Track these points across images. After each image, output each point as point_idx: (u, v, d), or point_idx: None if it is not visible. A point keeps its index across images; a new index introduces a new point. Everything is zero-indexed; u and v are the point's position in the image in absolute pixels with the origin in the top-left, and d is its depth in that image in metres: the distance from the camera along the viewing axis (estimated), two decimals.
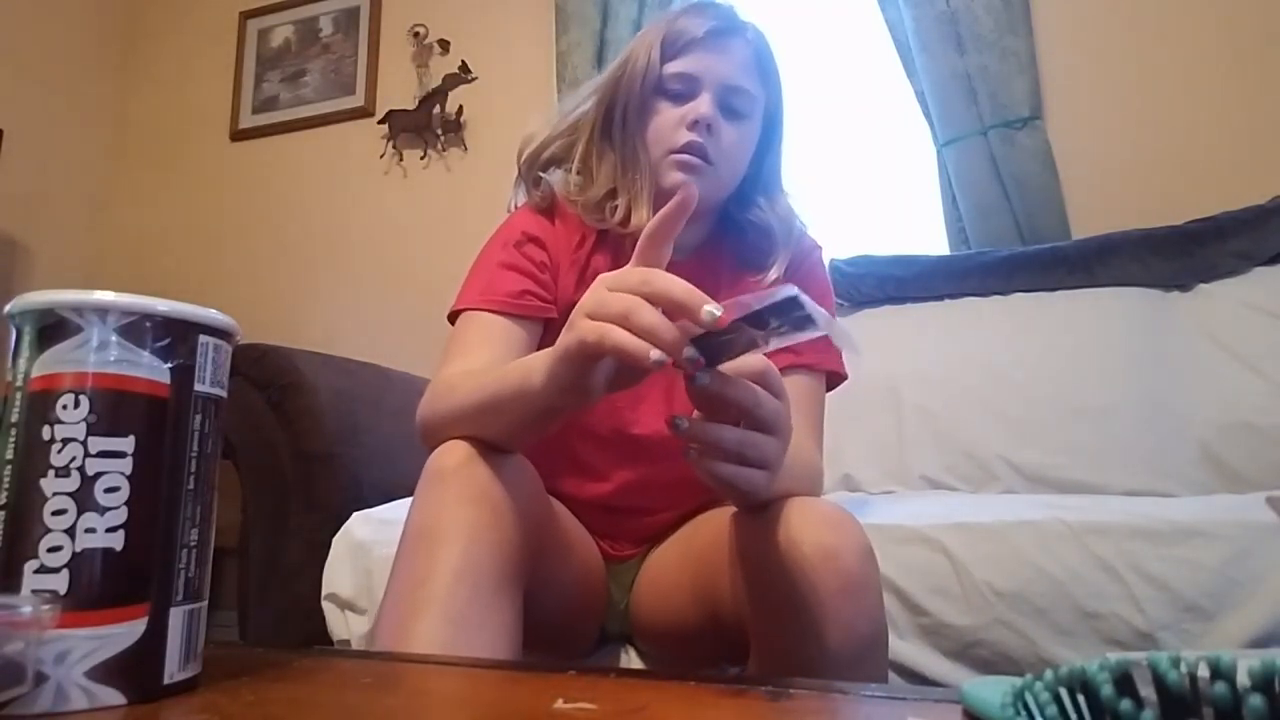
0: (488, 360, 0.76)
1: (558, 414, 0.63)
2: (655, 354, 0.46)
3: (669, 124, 0.83)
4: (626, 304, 0.48)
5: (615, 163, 0.86)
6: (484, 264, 0.86)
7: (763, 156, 0.90)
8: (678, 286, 0.47)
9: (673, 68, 0.84)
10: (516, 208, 0.92)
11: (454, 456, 0.66)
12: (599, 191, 0.85)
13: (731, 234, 0.91)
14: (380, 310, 2.19)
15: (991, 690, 0.35)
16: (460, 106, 2.19)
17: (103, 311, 0.39)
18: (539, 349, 0.73)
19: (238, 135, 2.46)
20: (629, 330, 0.47)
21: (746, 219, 0.90)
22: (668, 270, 0.90)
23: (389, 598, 0.63)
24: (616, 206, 0.84)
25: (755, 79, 0.86)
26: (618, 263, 0.85)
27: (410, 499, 0.69)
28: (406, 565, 0.63)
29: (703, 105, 0.82)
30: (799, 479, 0.72)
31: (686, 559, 0.81)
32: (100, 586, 0.37)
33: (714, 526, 0.79)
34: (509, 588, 0.64)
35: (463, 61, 2.17)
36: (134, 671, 0.38)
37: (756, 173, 0.90)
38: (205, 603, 0.42)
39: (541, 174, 0.90)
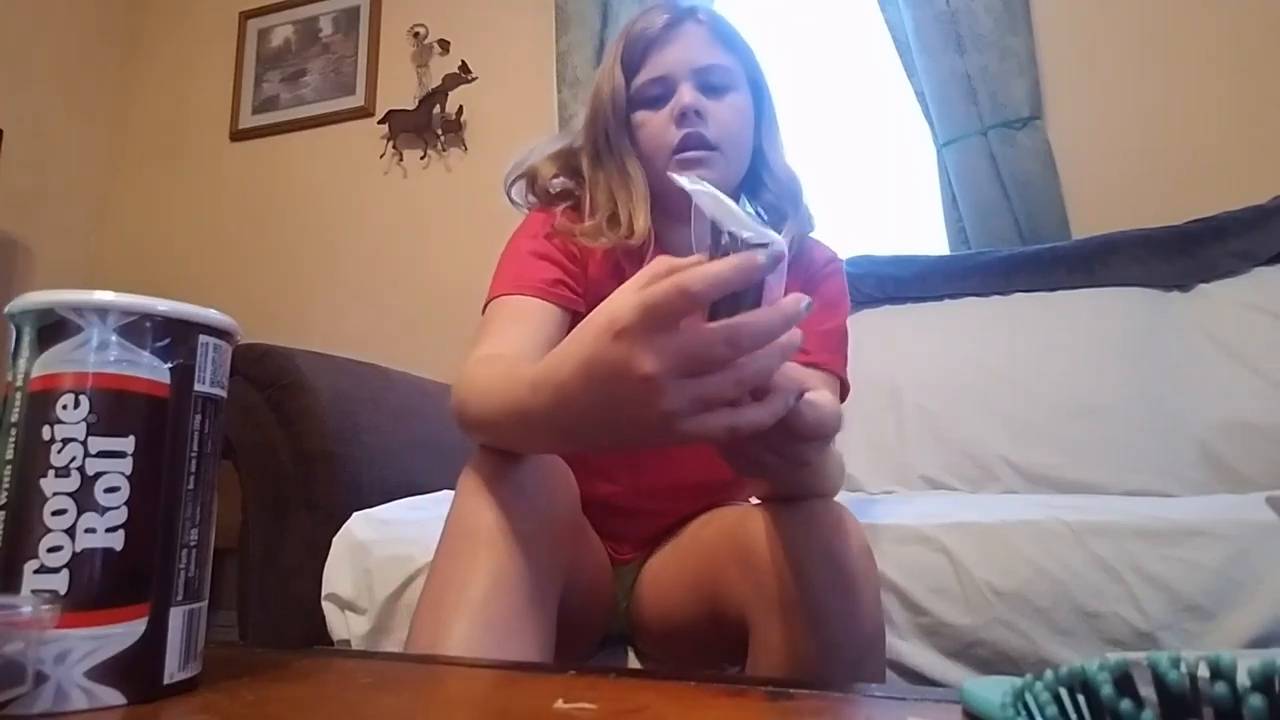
0: (519, 338, 0.75)
1: None
2: (792, 399, 0.44)
3: (658, 128, 0.83)
4: (717, 388, 0.42)
5: (606, 185, 0.86)
6: (513, 254, 0.85)
7: (759, 125, 0.89)
8: (760, 326, 0.42)
9: (640, 78, 0.84)
10: (532, 209, 0.92)
11: (498, 458, 0.66)
12: (600, 218, 0.85)
13: None
14: (380, 310, 2.19)
15: (991, 690, 0.35)
16: (460, 106, 2.19)
17: (103, 311, 0.39)
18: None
19: (238, 135, 2.46)
20: (743, 403, 0.43)
21: (761, 207, 0.89)
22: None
23: (426, 597, 0.63)
24: (619, 223, 0.84)
25: (722, 51, 0.85)
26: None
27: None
28: (447, 566, 0.63)
29: (684, 95, 0.81)
30: (828, 476, 0.71)
31: (688, 557, 0.81)
32: (100, 586, 0.37)
33: (715, 525, 0.79)
34: (545, 595, 0.64)
35: (463, 61, 2.17)
36: (134, 671, 0.38)
37: (758, 145, 0.89)
38: (205, 603, 0.42)
39: (551, 192, 0.90)
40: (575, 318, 0.82)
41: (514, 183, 0.92)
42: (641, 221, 0.83)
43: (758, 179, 0.89)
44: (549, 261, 0.83)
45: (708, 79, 0.83)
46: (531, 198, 0.91)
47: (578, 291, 0.83)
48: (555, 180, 0.91)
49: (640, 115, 0.85)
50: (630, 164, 0.85)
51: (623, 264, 0.86)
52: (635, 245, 0.83)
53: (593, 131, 0.87)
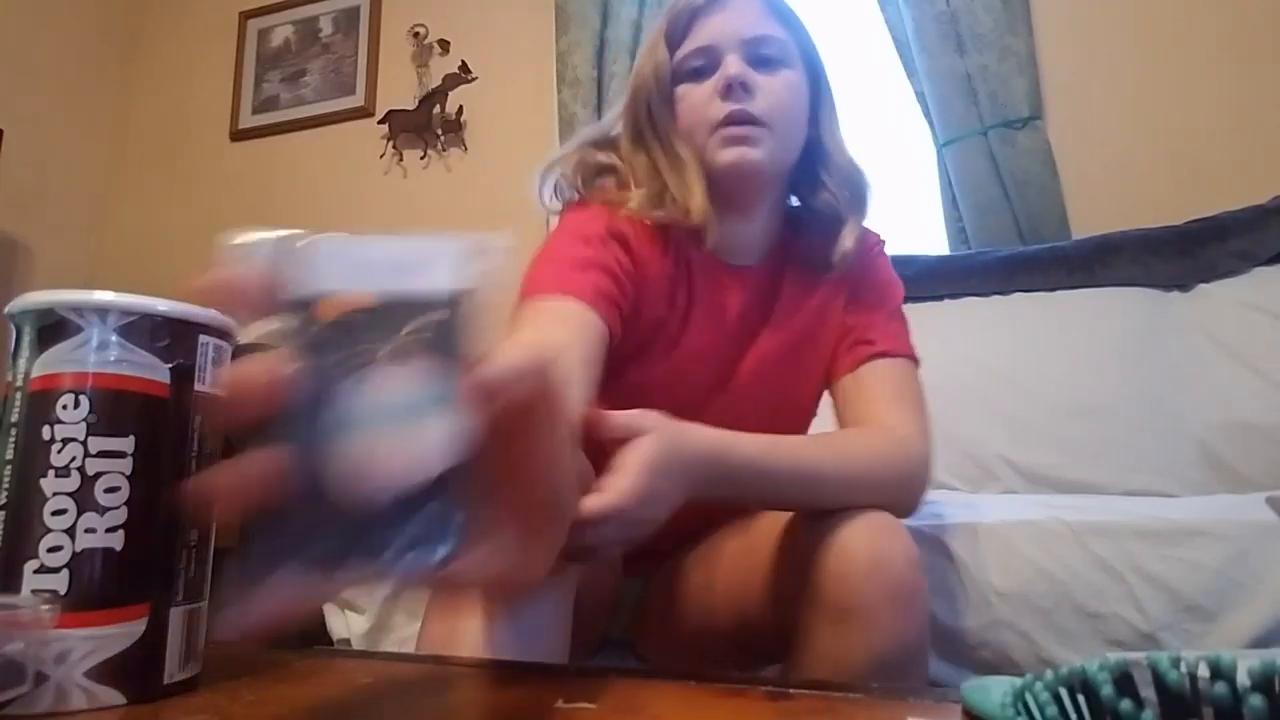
0: (554, 341, 0.64)
1: None
2: None
3: (700, 102, 0.76)
4: None
5: (649, 164, 0.78)
6: (557, 255, 0.74)
7: (816, 113, 0.81)
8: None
9: (684, 49, 0.78)
10: (570, 205, 0.82)
11: None
12: (652, 190, 0.77)
13: (799, 232, 0.84)
14: None
15: (991, 690, 0.35)
16: (460, 106, 2.19)
17: (103, 311, 0.39)
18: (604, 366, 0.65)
19: (238, 135, 2.46)
20: None
21: (816, 204, 0.82)
22: (733, 279, 0.80)
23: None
24: (672, 199, 0.76)
25: (775, 23, 0.79)
26: (709, 284, 0.79)
27: None
28: None
29: (730, 66, 0.74)
30: (863, 485, 0.68)
31: (714, 562, 0.78)
32: (100, 586, 0.37)
33: (758, 532, 0.76)
34: (561, 595, 0.63)
35: (463, 61, 2.17)
36: (134, 671, 0.38)
37: (816, 136, 0.81)
38: (205, 603, 0.42)
39: (594, 174, 0.82)
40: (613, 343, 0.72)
41: (547, 175, 0.84)
42: (698, 199, 0.74)
43: (813, 173, 0.82)
44: (600, 271, 0.72)
45: (758, 51, 0.76)
46: (572, 190, 0.82)
47: (626, 316, 0.74)
48: (599, 157, 0.82)
49: (682, 89, 0.78)
50: (678, 142, 0.77)
51: (687, 253, 0.78)
52: (696, 224, 0.75)
53: (633, 111, 0.80)
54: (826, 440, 0.75)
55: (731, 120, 0.74)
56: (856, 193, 0.82)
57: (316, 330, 0.25)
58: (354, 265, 0.26)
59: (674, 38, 0.79)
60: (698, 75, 0.78)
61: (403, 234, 0.28)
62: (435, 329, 0.25)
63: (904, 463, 0.73)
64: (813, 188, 0.82)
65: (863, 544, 0.62)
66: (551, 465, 0.31)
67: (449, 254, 0.27)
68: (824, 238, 0.81)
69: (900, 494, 0.73)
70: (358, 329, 0.25)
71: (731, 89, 0.74)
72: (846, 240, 0.80)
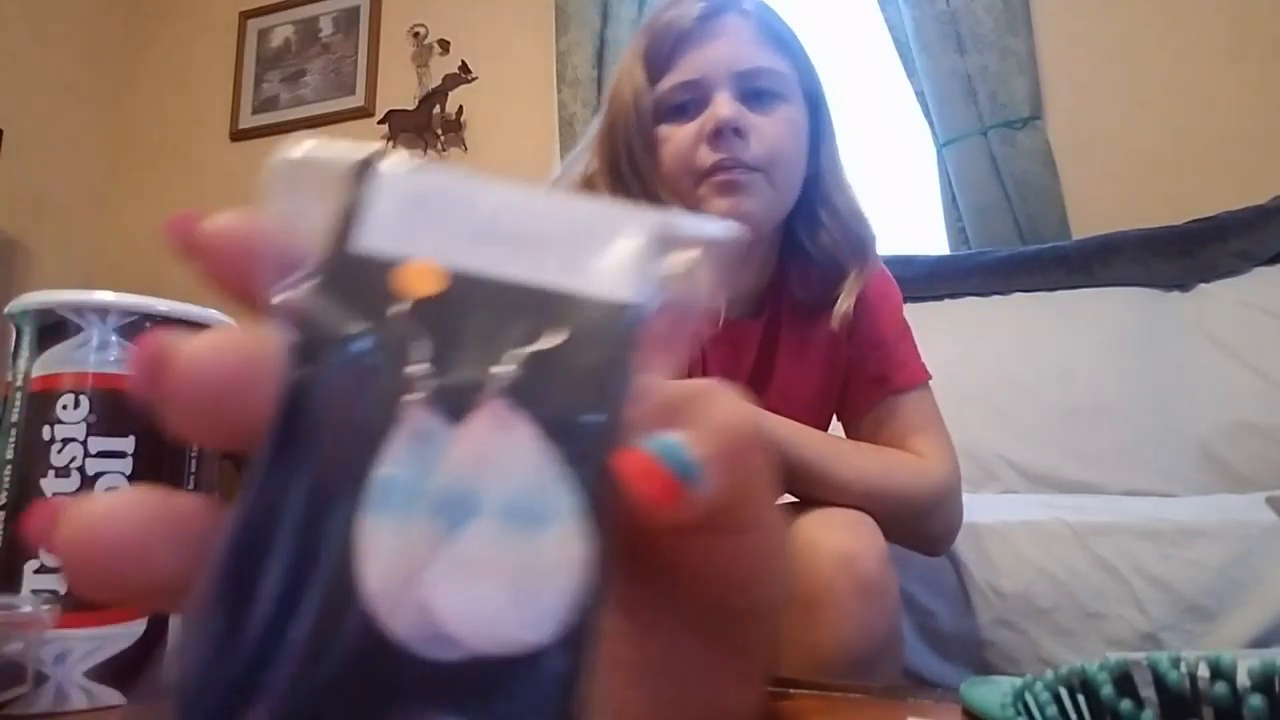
0: None
1: None
2: None
3: (684, 147, 0.68)
4: None
5: None
6: None
7: (816, 147, 0.73)
8: None
9: (667, 82, 0.69)
10: None
11: None
12: None
13: (794, 272, 0.76)
14: None
15: (991, 690, 0.35)
16: (460, 106, 2.19)
17: (103, 311, 0.39)
18: None
19: (238, 135, 2.46)
20: None
21: (812, 248, 0.74)
22: (739, 336, 0.78)
23: None
24: None
25: (772, 51, 0.71)
26: (719, 349, 0.76)
27: None
28: None
29: (720, 107, 0.66)
30: (860, 492, 0.69)
31: None
32: None
33: None
34: None
35: (463, 61, 2.18)
36: (134, 671, 0.38)
37: (815, 172, 0.73)
38: None
39: None
40: None
41: None
42: None
43: (812, 217, 0.73)
44: None
45: (753, 85, 0.68)
46: None
47: None
48: None
49: (664, 129, 0.69)
50: (663, 192, 0.69)
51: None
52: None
53: (610, 148, 0.72)
54: (838, 443, 0.76)
55: (720, 170, 0.67)
56: (857, 244, 0.74)
57: (379, 318, 0.14)
58: (468, 220, 0.15)
59: (655, 64, 0.70)
60: (682, 112, 0.69)
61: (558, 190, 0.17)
62: (586, 355, 0.14)
63: (910, 482, 0.72)
64: (811, 228, 0.74)
65: (831, 538, 0.63)
66: (765, 564, 0.17)
67: (629, 234, 0.15)
68: (822, 283, 0.75)
69: (907, 512, 0.72)
70: (452, 330, 0.14)
71: (721, 135, 0.66)
72: (846, 300, 0.72)
